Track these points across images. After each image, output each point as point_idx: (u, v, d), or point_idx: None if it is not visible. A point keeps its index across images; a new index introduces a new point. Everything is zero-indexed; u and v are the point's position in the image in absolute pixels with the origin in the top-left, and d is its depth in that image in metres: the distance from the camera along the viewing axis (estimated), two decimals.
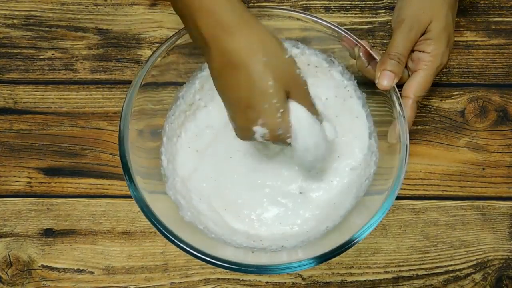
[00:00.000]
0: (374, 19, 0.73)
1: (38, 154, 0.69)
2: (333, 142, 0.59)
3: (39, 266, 0.66)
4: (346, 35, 0.61)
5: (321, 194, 0.64)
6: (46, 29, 0.73)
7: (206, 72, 0.65)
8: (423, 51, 0.61)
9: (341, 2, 0.74)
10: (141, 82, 0.60)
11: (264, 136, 0.52)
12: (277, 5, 0.74)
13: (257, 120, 0.51)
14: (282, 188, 0.64)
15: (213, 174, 0.64)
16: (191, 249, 0.54)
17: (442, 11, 0.61)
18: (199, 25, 0.51)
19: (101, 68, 0.72)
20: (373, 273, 0.66)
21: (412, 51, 0.62)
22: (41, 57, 0.72)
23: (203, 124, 0.66)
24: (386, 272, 0.66)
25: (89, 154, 0.69)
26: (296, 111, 0.53)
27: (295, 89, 0.52)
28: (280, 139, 0.53)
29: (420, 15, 0.61)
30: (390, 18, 0.73)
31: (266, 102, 0.51)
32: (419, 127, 0.70)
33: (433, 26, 0.61)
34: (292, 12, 0.62)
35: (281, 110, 0.51)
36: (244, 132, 0.54)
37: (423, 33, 0.61)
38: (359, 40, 0.61)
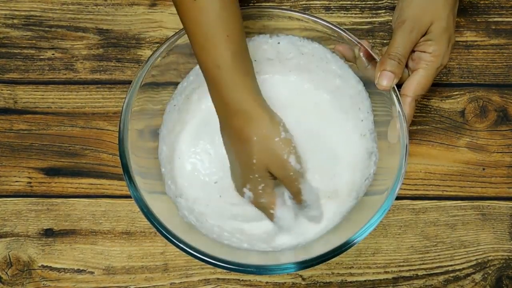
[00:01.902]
0: (374, 19, 0.73)
1: (38, 154, 0.69)
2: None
3: (39, 266, 0.66)
4: (346, 35, 0.61)
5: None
6: (46, 29, 0.73)
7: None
8: (424, 51, 0.61)
9: (341, 2, 0.74)
10: (141, 82, 0.60)
11: (250, 198, 0.59)
12: (277, 5, 0.74)
13: (246, 184, 0.59)
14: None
15: (213, 175, 0.64)
16: (191, 249, 0.54)
17: (443, 12, 0.61)
18: (211, 93, 0.58)
19: (101, 68, 0.72)
20: (373, 273, 0.66)
21: (413, 51, 0.62)
22: (41, 57, 0.72)
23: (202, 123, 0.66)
24: (386, 272, 0.66)
25: (89, 154, 0.69)
26: (279, 200, 0.59)
27: (278, 172, 0.58)
28: (263, 208, 0.60)
29: (422, 16, 0.61)
30: (390, 18, 0.73)
31: (250, 174, 0.58)
32: (419, 127, 0.70)
33: (434, 27, 0.61)
34: (292, 12, 0.62)
35: (262, 185, 0.58)
36: (237, 187, 0.61)
37: (424, 34, 0.61)
38: (359, 40, 0.61)
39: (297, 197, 0.59)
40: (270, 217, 0.60)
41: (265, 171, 0.57)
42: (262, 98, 0.58)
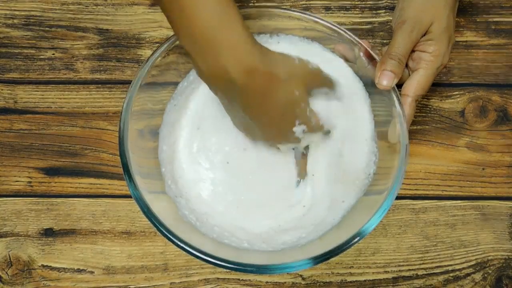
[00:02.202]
0: (374, 19, 0.73)
1: (38, 154, 0.69)
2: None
3: (39, 266, 0.66)
4: (346, 35, 0.61)
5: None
6: (46, 29, 0.73)
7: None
8: (424, 51, 0.61)
9: (341, 2, 0.74)
10: (141, 82, 0.60)
11: (304, 131, 0.58)
12: (277, 5, 0.74)
13: (295, 122, 0.57)
14: (283, 189, 0.64)
15: (213, 175, 0.64)
16: (191, 249, 0.54)
17: (443, 12, 0.61)
18: (226, 64, 0.51)
19: (101, 68, 0.72)
20: (373, 273, 0.66)
21: (413, 51, 0.62)
22: (41, 57, 0.72)
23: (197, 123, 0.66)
24: (386, 272, 0.66)
25: (89, 154, 0.69)
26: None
27: (316, 79, 0.58)
28: (316, 128, 0.59)
29: (422, 16, 0.61)
30: (390, 18, 0.73)
31: (297, 107, 0.56)
32: (419, 127, 0.70)
33: (434, 27, 0.61)
34: (292, 12, 0.62)
35: (309, 109, 0.57)
36: (284, 136, 0.58)
37: (424, 34, 0.61)
38: (359, 40, 0.61)
39: (331, 86, 0.60)
40: (319, 123, 0.59)
41: (305, 92, 0.56)
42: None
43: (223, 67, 0.51)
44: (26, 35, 0.73)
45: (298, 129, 0.57)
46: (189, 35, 0.52)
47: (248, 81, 0.52)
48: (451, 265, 0.67)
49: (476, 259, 0.67)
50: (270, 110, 0.55)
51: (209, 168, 0.64)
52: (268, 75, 0.53)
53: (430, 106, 0.71)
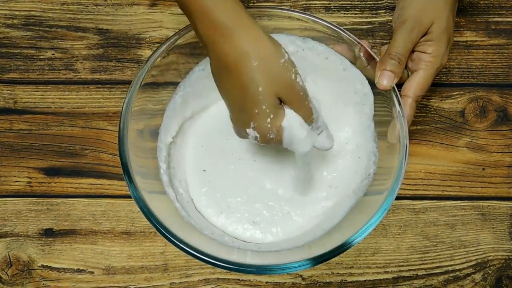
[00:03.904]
0: (374, 19, 0.73)
1: (38, 154, 0.69)
2: (328, 151, 0.59)
3: (39, 266, 0.66)
4: (346, 35, 0.61)
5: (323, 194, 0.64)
6: (46, 29, 0.73)
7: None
8: (423, 52, 0.61)
9: (341, 2, 0.74)
10: (141, 82, 0.60)
11: (256, 138, 0.53)
12: (277, 5, 0.74)
13: (249, 123, 0.52)
14: (283, 189, 0.64)
15: (214, 172, 0.64)
16: (190, 249, 0.54)
17: (443, 13, 0.61)
18: (198, 27, 0.51)
19: (101, 68, 0.72)
20: (373, 273, 0.66)
21: (412, 51, 0.62)
22: (41, 57, 0.72)
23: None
24: (386, 272, 0.66)
25: (89, 154, 0.69)
26: (288, 119, 0.52)
27: (289, 96, 0.52)
28: (271, 143, 0.54)
29: (422, 16, 0.61)
30: (390, 18, 0.73)
31: (256, 107, 0.51)
32: (419, 127, 0.70)
33: (434, 27, 0.61)
34: (292, 12, 0.62)
35: (271, 116, 0.51)
36: (239, 132, 0.56)
37: (424, 34, 0.61)
38: (359, 40, 0.61)
39: (309, 117, 0.53)
40: (280, 142, 0.54)
41: (273, 98, 0.51)
42: (255, 21, 0.52)
43: (197, 29, 0.51)
44: (26, 35, 0.73)
45: (251, 133, 0.53)
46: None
47: (215, 50, 0.50)
48: (451, 265, 0.67)
49: (476, 259, 0.67)
50: (231, 93, 0.52)
51: (209, 171, 0.64)
52: (236, 54, 0.49)
53: (430, 106, 0.71)
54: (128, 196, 0.67)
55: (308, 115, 0.54)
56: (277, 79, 0.51)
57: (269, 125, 0.52)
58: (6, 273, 0.66)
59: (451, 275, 0.66)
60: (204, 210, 0.63)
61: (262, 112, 0.51)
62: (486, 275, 0.66)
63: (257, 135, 0.53)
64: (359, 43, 0.61)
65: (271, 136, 0.53)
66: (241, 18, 0.51)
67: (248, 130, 0.53)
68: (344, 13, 0.74)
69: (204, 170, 0.64)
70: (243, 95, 0.51)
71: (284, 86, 0.51)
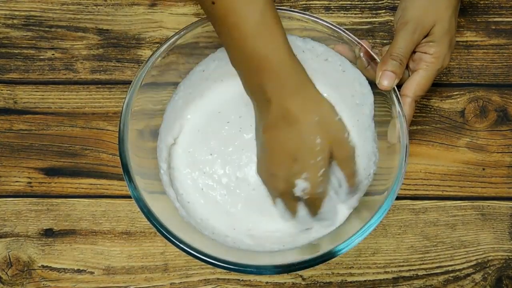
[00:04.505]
0: (374, 19, 0.73)
1: (38, 154, 0.69)
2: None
3: (39, 266, 0.66)
4: (346, 36, 0.61)
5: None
6: (46, 29, 0.73)
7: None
8: (425, 53, 0.61)
9: (341, 2, 0.74)
10: (141, 82, 0.60)
11: (304, 190, 0.55)
12: (277, 5, 0.73)
13: (302, 174, 0.54)
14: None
15: (214, 173, 0.64)
16: (190, 249, 0.54)
17: (446, 14, 0.61)
18: (264, 83, 0.53)
19: (101, 68, 0.72)
20: (373, 273, 0.66)
21: (414, 52, 0.62)
22: (41, 57, 0.72)
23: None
24: (386, 272, 0.66)
25: (89, 154, 0.69)
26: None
27: (340, 151, 0.55)
28: (316, 197, 0.56)
29: (424, 17, 0.61)
30: (390, 18, 0.73)
31: (312, 158, 0.54)
32: (419, 127, 0.70)
33: (436, 28, 0.61)
34: (292, 12, 0.62)
35: (323, 169, 0.54)
36: (284, 183, 0.56)
37: (426, 35, 0.61)
38: (359, 40, 0.61)
39: (351, 180, 0.57)
40: (317, 210, 0.57)
41: (328, 152, 0.54)
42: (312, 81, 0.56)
43: (260, 85, 0.53)
44: (26, 35, 0.73)
45: (300, 184, 0.55)
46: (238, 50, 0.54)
47: (279, 105, 0.53)
48: (451, 265, 0.67)
49: (476, 259, 0.67)
50: (286, 143, 0.54)
51: (209, 173, 0.64)
52: (300, 109, 0.53)
53: (430, 106, 0.71)
54: (128, 196, 0.67)
55: (352, 176, 0.57)
56: (333, 134, 0.55)
57: (320, 178, 0.54)
58: (6, 273, 0.66)
59: (451, 275, 0.66)
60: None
61: (317, 163, 0.54)
62: (486, 275, 0.66)
63: (307, 186, 0.55)
64: (359, 43, 0.61)
65: (319, 190, 0.55)
66: (304, 79, 0.54)
67: (297, 181, 0.55)
68: (344, 13, 0.74)
69: (204, 173, 0.64)
70: (300, 145, 0.54)
71: (338, 141, 0.55)
